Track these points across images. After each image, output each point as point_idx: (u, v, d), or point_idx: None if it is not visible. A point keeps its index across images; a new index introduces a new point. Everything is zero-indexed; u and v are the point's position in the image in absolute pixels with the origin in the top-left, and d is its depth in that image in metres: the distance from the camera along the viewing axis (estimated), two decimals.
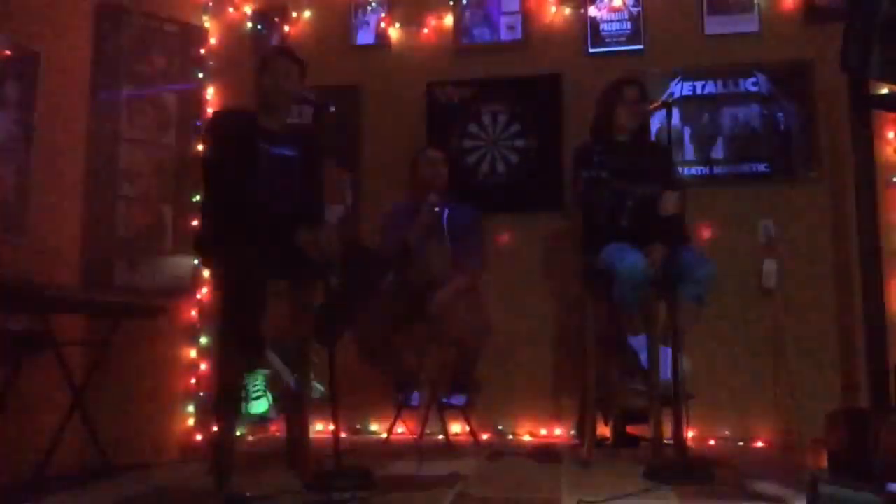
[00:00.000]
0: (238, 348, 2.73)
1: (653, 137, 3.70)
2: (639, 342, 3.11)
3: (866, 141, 2.94)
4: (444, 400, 3.68)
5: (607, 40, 4.19)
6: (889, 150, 3.75)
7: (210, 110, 4.31)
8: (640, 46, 4.15)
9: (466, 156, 4.24)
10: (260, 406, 2.64)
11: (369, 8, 4.42)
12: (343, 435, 2.71)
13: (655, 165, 3.28)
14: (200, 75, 4.28)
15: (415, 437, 3.81)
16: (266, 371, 2.72)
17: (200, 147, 3.05)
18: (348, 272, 2.88)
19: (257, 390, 2.67)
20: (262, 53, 3.22)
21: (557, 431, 3.96)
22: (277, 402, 2.73)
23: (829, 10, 3.86)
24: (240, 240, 2.67)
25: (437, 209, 3.69)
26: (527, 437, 3.97)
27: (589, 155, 3.24)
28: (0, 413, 2.87)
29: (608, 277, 3.03)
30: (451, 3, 4.34)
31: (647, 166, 3.25)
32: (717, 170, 4.02)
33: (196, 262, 4.08)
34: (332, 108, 2.85)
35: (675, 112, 3.90)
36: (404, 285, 3.60)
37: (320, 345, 2.89)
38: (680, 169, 3.95)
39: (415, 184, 3.86)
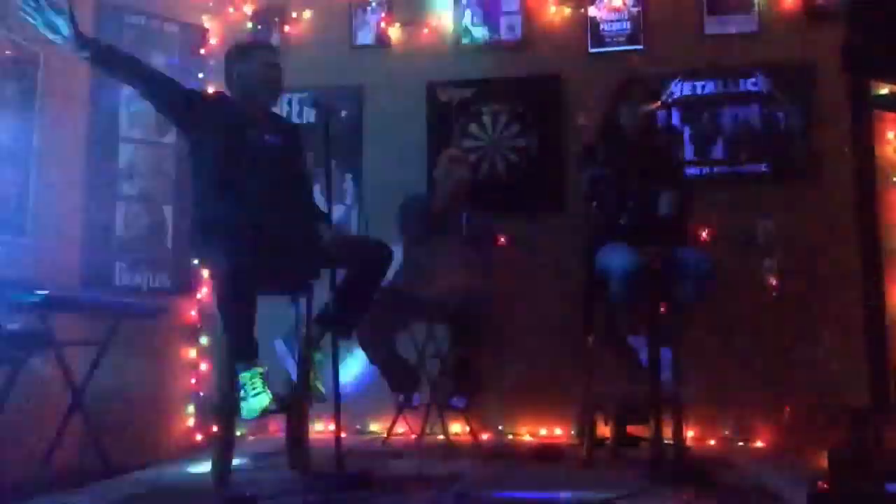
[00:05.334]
0: (232, 351, 2.73)
1: None
2: (639, 342, 3.10)
3: (866, 141, 2.93)
4: (446, 402, 3.67)
5: (607, 40, 4.19)
6: (889, 150, 3.75)
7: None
8: (640, 46, 4.15)
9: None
10: (260, 401, 2.64)
11: (369, 8, 4.42)
12: (343, 435, 2.71)
13: (660, 165, 3.28)
14: (200, 75, 4.28)
15: (415, 436, 3.81)
16: (263, 369, 2.72)
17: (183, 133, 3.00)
18: (356, 263, 2.88)
19: (255, 387, 2.67)
20: (236, 42, 3.18)
21: (557, 431, 3.96)
22: (277, 397, 2.73)
23: (829, 10, 3.86)
24: (232, 243, 2.66)
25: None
26: (527, 437, 3.97)
27: (595, 153, 3.24)
28: (0, 413, 2.87)
29: (604, 277, 3.03)
30: (451, 3, 4.34)
31: (652, 166, 3.25)
32: (717, 170, 4.02)
33: (196, 261, 4.08)
34: (344, 113, 2.85)
35: (675, 112, 3.91)
36: (409, 286, 3.61)
37: (336, 334, 2.84)
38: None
39: (440, 181, 3.88)
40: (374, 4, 4.41)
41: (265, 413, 2.68)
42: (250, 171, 2.85)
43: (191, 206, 3.00)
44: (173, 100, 2.87)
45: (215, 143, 2.85)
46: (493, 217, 3.94)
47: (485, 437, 3.93)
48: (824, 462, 2.52)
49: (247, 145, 2.89)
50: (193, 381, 4.11)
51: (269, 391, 2.66)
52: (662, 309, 3.06)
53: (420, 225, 3.74)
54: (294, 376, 2.85)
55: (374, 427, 4.10)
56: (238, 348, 2.70)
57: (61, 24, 2.57)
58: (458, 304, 3.56)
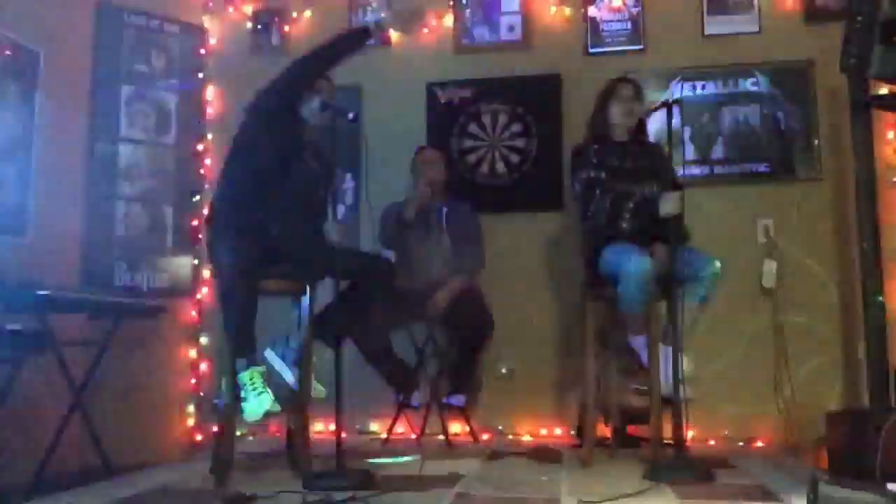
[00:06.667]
0: (232, 351, 2.74)
1: (652, 137, 3.69)
2: (639, 342, 3.10)
3: (866, 141, 2.93)
4: (444, 400, 3.68)
5: (607, 40, 4.19)
6: (889, 150, 3.75)
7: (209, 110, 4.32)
8: (640, 46, 4.15)
9: (466, 156, 4.25)
10: (262, 401, 2.65)
11: (369, 8, 4.41)
12: (343, 435, 2.71)
13: (653, 165, 3.27)
14: (200, 75, 4.28)
15: (415, 436, 3.81)
16: (263, 368, 2.72)
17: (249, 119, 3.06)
18: (355, 276, 2.90)
19: (256, 387, 2.67)
20: None
21: (557, 431, 3.96)
22: (278, 397, 2.74)
23: (829, 10, 3.87)
24: (243, 241, 2.69)
25: (430, 190, 3.79)
26: (527, 437, 3.97)
27: (587, 155, 3.23)
28: (0, 413, 2.87)
29: (612, 278, 3.02)
30: (451, 3, 4.34)
31: (645, 166, 3.25)
32: (717, 170, 4.02)
33: (196, 261, 4.09)
34: (351, 115, 2.86)
35: (675, 112, 3.90)
36: (404, 285, 3.61)
37: (325, 345, 2.90)
38: (680, 169, 3.94)
39: (414, 184, 3.90)
40: (374, 4, 4.40)
41: (266, 413, 2.69)
42: (286, 188, 2.93)
43: (213, 199, 3.04)
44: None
45: (269, 152, 2.92)
46: (475, 212, 3.94)
47: (485, 437, 3.93)
48: (824, 462, 2.52)
49: (291, 165, 2.98)
50: (193, 381, 4.11)
51: (269, 391, 2.67)
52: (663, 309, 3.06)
53: (393, 230, 3.76)
54: (291, 382, 2.85)
55: (374, 427, 4.10)
56: (238, 348, 2.71)
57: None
58: (455, 304, 3.57)
